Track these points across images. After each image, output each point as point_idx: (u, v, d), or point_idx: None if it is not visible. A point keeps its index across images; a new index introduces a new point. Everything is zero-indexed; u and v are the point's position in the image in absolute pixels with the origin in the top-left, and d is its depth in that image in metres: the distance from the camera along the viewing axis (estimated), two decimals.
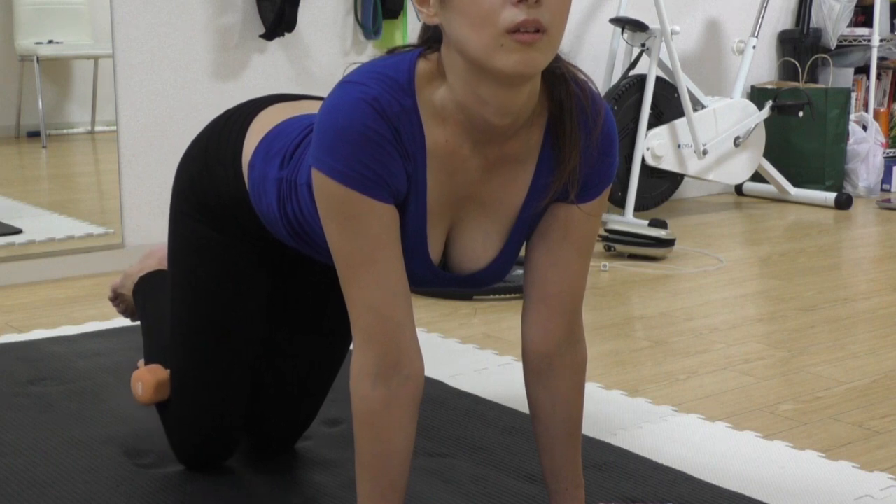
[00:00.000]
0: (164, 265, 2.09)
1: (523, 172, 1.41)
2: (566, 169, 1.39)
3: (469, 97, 1.32)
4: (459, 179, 1.39)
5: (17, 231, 3.55)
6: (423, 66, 1.35)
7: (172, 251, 1.77)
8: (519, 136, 1.39)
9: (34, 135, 5.09)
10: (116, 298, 2.20)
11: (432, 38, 1.38)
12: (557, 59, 1.37)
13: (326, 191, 1.33)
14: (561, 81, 1.38)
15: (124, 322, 2.82)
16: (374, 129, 1.30)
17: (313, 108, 1.65)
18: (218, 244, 1.71)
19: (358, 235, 1.33)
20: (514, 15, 1.23)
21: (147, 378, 1.83)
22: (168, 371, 1.83)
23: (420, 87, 1.34)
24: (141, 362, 1.96)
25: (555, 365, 1.50)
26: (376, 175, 1.31)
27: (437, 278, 1.48)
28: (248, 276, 1.73)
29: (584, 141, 1.39)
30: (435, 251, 1.44)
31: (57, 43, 5.00)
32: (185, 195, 1.73)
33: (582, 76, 1.40)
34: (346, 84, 1.33)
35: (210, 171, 1.69)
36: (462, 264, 1.47)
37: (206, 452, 1.82)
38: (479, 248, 1.46)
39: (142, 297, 2.09)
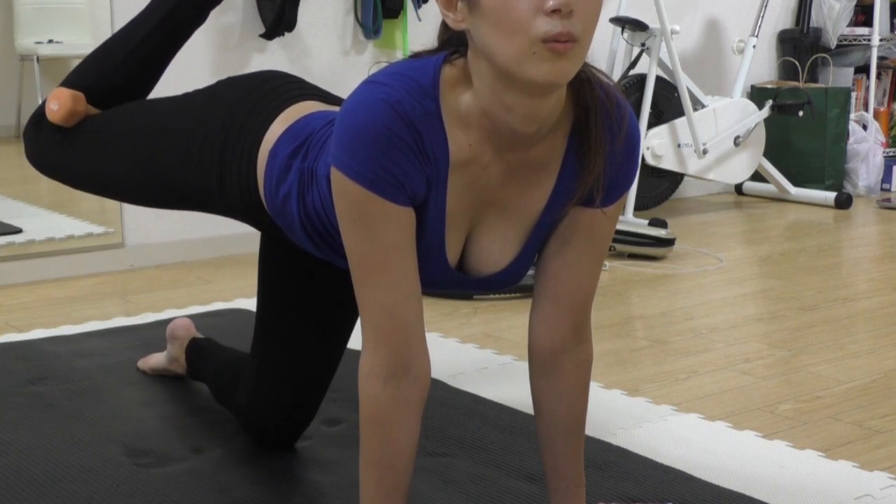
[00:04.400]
0: None
1: (546, 178, 1.41)
2: (591, 174, 1.38)
3: (494, 104, 1.31)
4: (480, 184, 1.39)
5: (17, 231, 3.55)
6: (448, 70, 1.34)
7: (171, 113, 1.80)
8: (543, 143, 1.37)
9: None
10: None
11: (453, 39, 1.37)
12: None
13: (343, 190, 1.33)
14: (586, 86, 1.37)
15: (124, 322, 2.82)
16: (395, 132, 1.29)
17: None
18: (190, 182, 1.75)
19: (373, 236, 1.33)
20: (548, 25, 1.22)
21: (66, 103, 1.87)
22: (87, 108, 1.88)
23: (444, 91, 1.33)
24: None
25: (560, 362, 1.50)
26: (394, 178, 1.31)
27: (454, 281, 1.48)
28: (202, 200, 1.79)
29: (610, 146, 1.38)
30: (453, 254, 1.44)
31: (57, 42, 4.99)
32: (207, 139, 1.72)
33: (606, 79, 1.39)
34: (369, 84, 1.32)
35: (228, 145, 1.67)
36: (479, 267, 1.47)
37: (45, 174, 1.95)
38: (497, 251, 1.45)
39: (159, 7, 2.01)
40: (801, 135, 4.94)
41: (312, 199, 1.52)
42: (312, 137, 1.55)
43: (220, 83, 1.80)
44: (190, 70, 3.59)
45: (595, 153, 1.37)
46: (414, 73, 1.33)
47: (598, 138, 1.37)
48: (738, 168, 4.59)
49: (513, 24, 1.23)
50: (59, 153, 1.90)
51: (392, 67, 1.35)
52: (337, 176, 1.33)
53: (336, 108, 1.65)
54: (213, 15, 3.59)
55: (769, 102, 4.63)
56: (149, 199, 1.86)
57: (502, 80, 1.28)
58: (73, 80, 1.95)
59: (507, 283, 1.50)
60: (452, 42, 1.37)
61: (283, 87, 1.71)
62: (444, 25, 1.38)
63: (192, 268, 3.53)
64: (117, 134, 1.84)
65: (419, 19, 3.97)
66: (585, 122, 1.37)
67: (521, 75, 1.25)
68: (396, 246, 1.34)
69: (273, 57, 3.77)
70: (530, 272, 1.51)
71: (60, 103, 1.87)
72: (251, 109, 1.68)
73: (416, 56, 1.38)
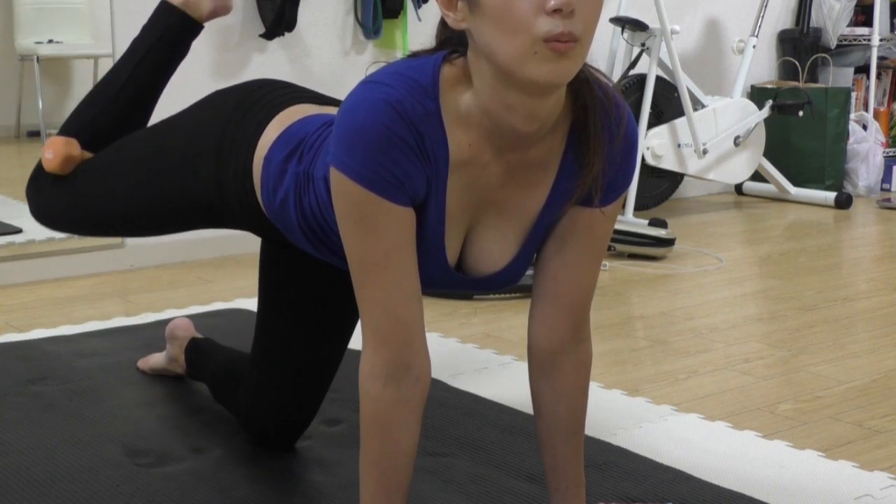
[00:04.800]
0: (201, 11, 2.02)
1: (544, 177, 1.41)
2: (590, 174, 1.38)
3: (495, 103, 1.31)
4: (480, 184, 1.39)
5: (17, 231, 3.54)
6: (447, 70, 1.34)
7: (163, 145, 1.80)
8: (542, 142, 1.38)
9: (34, 134, 5.08)
10: None
11: (452, 38, 1.37)
12: None
13: (343, 190, 1.32)
14: (585, 86, 1.37)
15: (124, 322, 2.82)
16: (395, 132, 1.29)
17: (335, 111, 1.64)
18: (194, 197, 1.76)
19: (373, 237, 1.33)
20: (550, 25, 1.22)
21: (60, 149, 1.88)
22: (82, 154, 1.89)
23: (444, 91, 1.33)
24: None
25: (559, 363, 1.50)
26: (394, 178, 1.31)
27: (453, 280, 1.48)
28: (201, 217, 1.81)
29: (608, 146, 1.38)
30: (452, 254, 1.44)
31: (57, 42, 4.99)
32: (203, 154, 1.73)
33: (604, 79, 1.39)
34: (369, 84, 1.32)
35: (222, 154, 1.68)
36: (478, 267, 1.47)
37: (49, 224, 1.95)
38: (496, 251, 1.45)
39: (146, 48, 2.01)
40: (801, 135, 4.94)
41: (309, 201, 1.52)
42: (306, 141, 1.55)
43: (209, 96, 1.81)
44: (190, 70, 3.58)
45: (594, 153, 1.37)
46: (413, 72, 1.32)
47: (596, 138, 1.37)
48: (738, 168, 4.59)
49: (514, 24, 1.23)
50: (59, 199, 1.91)
51: (391, 67, 1.34)
52: (337, 176, 1.33)
53: (330, 109, 1.66)
54: None
55: (769, 102, 4.63)
56: (154, 226, 1.87)
57: (503, 79, 1.28)
58: (66, 128, 1.98)
59: (506, 282, 1.50)
60: (451, 42, 1.37)
61: (274, 94, 1.71)
62: (443, 25, 1.38)
63: (192, 268, 3.53)
64: (113, 165, 1.86)
65: (419, 19, 3.97)
66: (584, 122, 1.37)
67: (523, 75, 1.25)
68: (397, 246, 1.34)
69: (273, 57, 3.77)
70: (530, 272, 1.51)
71: (54, 151, 1.89)
72: (243, 117, 1.69)
73: (415, 56, 1.37)
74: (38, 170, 1.94)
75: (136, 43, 2.01)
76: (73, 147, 1.90)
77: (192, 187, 1.74)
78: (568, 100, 1.37)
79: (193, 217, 1.79)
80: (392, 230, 1.33)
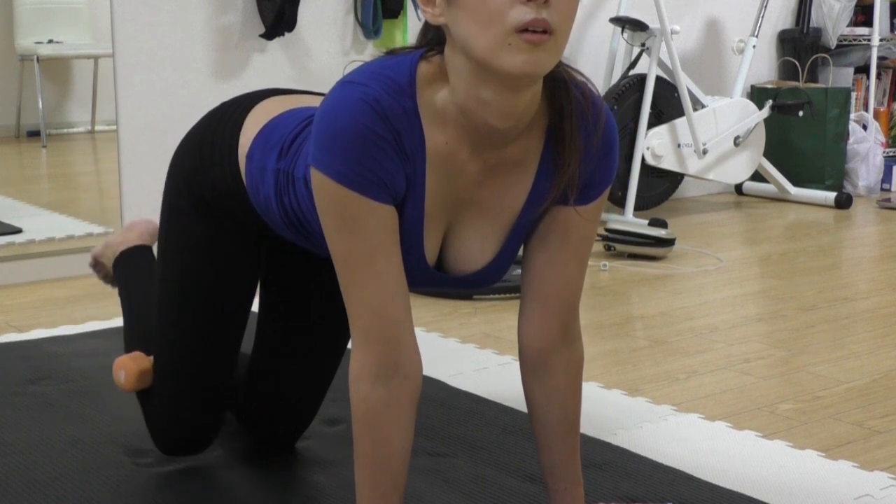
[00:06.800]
0: (144, 240, 2.17)
1: (523, 177, 1.41)
2: (566, 174, 1.38)
3: (471, 99, 1.32)
4: (458, 182, 1.39)
5: (17, 230, 3.55)
6: (424, 67, 1.34)
7: (163, 245, 1.78)
8: (519, 141, 1.38)
9: (34, 134, 5.09)
10: (97, 265, 2.24)
11: (433, 39, 1.37)
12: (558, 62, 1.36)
13: (325, 190, 1.33)
14: (561, 85, 1.37)
15: None
16: (374, 131, 1.30)
17: (310, 101, 1.65)
18: (212, 241, 1.72)
19: (357, 236, 1.33)
20: (522, 13, 1.23)
21: (130, 366, 1.83)
22: (150, 358, 1.84)
23: (421, 88, 1.33)
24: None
25: (550, 363, 1.50)
26: (375, 176, 1.31)
27: (432, 279, 1.48)
28: (240, 273, 1.75)
29: (585, 145, 1.38)
30: (431, 252, 1.44)
31: (57, 42, 4.99)
32: (179, 190, 1.74)
33: (581, 78, 1.39)
34: (346, 84, 1.33)
35: (206, 164, 1.69)
36: (458, 266, 1.47)
37: (185, 442, 1.83)
38: (476, 250, 1.46)
39: (122, 273, 2.12)
40: (801, 135, 4.94)
41: (290, 200, 1.53)
42: (286, 137, 1.55)
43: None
44: (190, 70, 3.59)
45: (569, 153, 1.38)
46: (390, 71, 1.33)
47: (572, 138, 1.37)
48: (738, 168, 4.59)
49: (489, 14, 1.24)
50: (167, 401, 1.80)
51: (367, 66, 1.35)
52: (318, 178, 1.33)
53: (304, 100, 1.66)
54: (213, 15, 3.60)
55: (769, 102, 4.63)
56: (227, 313, 1.77)
57: (479, 73, 1.29)
58: (125, 349, 1.97)
59: (487, 282, 1.50)
60: (433, 43, 1.37)
61: (241, 99, 1.73)
62: (423, 31, 1.39)
63: None
64: (159, 314, 1.80)
65: (419, 19, 3.97)
66: (560, 121, 1.37)
67: (497, 66, 1.26)
68: (381, 244, 1.34)
69: (273, 57, 3.77)
70: (518, 272, 1.51)
71: (123, 367, 1.83)
72: (217, 126, 1.70)
73: (392, 53, 1.38)
74: (140, 404, 1.87)
75: (120, 285, 2.12)
76: (135, 354, 1.86)
77: (200, 218, 1.71)
78: (545, 99, 1.37)
79: (230, 260, 1.74)
80: (375, 228, 1.33)
